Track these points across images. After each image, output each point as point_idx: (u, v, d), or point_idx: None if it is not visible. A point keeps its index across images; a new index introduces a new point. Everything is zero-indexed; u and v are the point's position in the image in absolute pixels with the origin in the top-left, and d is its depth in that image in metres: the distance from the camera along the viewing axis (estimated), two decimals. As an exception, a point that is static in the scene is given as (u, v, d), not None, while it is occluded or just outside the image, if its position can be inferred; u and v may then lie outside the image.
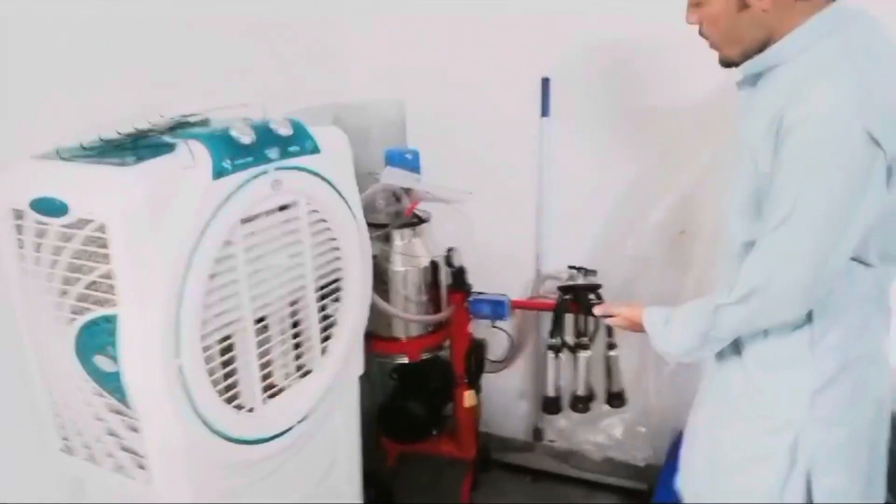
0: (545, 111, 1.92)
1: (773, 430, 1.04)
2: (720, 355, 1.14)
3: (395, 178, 1.74)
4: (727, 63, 1.04)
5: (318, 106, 1.94)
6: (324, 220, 1.36)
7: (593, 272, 1.82)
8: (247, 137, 1.15)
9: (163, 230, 1.03)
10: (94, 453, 1.21)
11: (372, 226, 1.81)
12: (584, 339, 1.77)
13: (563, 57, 1.89)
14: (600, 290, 1.74)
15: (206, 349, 1.13)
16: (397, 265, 1.83)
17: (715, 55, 1.05)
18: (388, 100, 2.03)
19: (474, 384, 1.98)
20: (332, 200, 1.36)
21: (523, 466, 2.28)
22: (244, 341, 1.22)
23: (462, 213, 2.11)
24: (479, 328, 2.06)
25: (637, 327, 1.21)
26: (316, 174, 1.31)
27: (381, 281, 1.83)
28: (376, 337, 1.91)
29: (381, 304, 1.74)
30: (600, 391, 1.88)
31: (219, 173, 1.10)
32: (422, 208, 1.92)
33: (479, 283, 2.15)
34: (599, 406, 1.89)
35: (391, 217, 1.83)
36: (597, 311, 1.36)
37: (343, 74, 2.09)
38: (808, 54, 0.93)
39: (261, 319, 1.25)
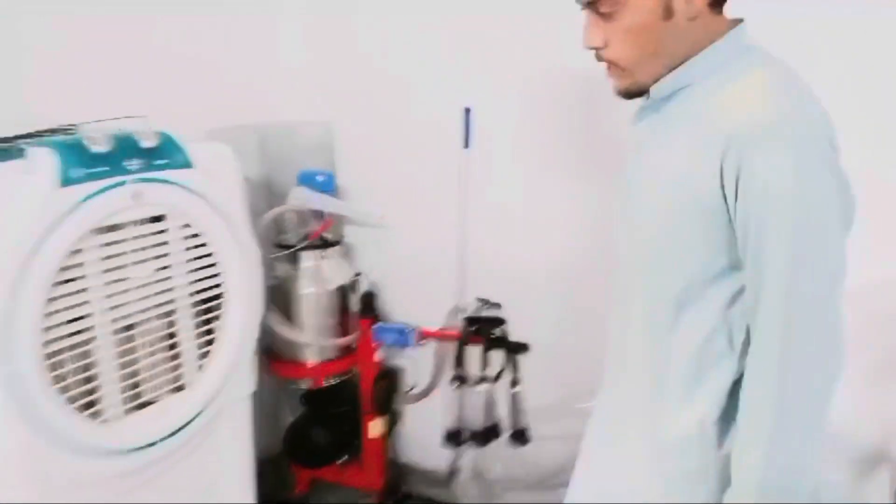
0: (467, 142, 1.90)
1: None
2: None
3: (301, 199, 1.73)
4: (633, 91, 0.91)
5: (240, 126, 1.94)
6: (197, 235, 1.35)
7: (497, 305, 1.79)
8: (100, 146, 1.15)
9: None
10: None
11: (281, 246, 1.80)
12: (485, 373, 1.73)
13: (486, 86, 1.88)
14: (504, 326, 1.72)
15: (50, 356, 1.11)
16: (304, 287, 1.81)
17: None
18: (315, 122, 2.03)
19: (382, 413, 1.94)
20: (207, 216, 1.35)
21: (438, 501, 2.21)
22: (103, 351, 1.21)
23: (383, 239, 2.10)
24: (399, 357, 2.03)
25: None
26: (187, 188, 1.30)
27: (287, 301, 1.81)
28: (279, 359, 1.88)
29: (274, 324, 1.72)
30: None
31: (67, 181, 1.10)
32: (351, 233, 1.89)
33: (406, 310, 2.13)
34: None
35: (300, 238, 1.81)
36: None
37: (271, 95, 2.08)
38: (729, 69, 0.85)
39: (130, 328, 1.26)
